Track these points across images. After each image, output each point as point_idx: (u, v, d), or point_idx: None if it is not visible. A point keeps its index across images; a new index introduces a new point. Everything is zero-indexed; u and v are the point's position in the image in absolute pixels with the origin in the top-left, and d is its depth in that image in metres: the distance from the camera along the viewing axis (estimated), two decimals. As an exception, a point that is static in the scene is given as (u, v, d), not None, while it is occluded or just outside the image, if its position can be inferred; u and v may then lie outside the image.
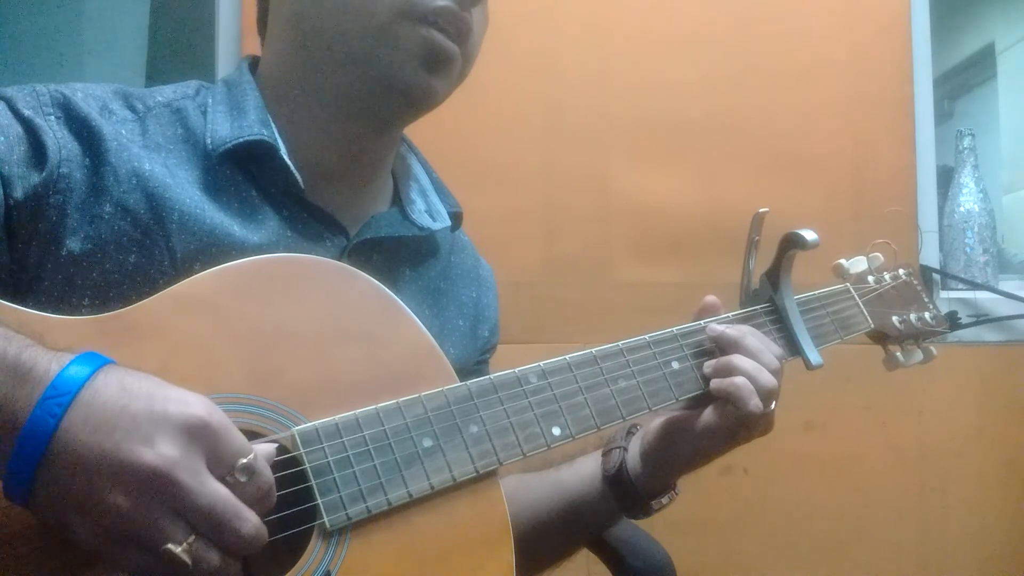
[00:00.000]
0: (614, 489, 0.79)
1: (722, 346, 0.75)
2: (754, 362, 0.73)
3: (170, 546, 0.45)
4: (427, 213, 0.81)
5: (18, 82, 0.67)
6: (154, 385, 0.49)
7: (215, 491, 0.47)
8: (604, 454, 0.81)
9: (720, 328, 0.76)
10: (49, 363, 0.47)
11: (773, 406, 0.73)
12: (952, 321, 1.54)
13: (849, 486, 1.52)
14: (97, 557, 0.47)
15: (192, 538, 0.46)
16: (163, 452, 0.46)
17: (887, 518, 1.52)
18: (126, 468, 0.45)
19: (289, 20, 0.73)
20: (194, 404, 0.48)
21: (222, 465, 0.48)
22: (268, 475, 0.51)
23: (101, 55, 1.76)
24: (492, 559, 0.61)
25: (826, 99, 1.57)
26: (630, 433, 0.82)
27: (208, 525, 0.47)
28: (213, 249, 0.65)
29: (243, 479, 0.49)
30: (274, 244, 0.68)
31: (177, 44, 1.78)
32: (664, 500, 0.80)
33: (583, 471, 0.82)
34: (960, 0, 2.32)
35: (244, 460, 0.49)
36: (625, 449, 0.80)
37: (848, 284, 0.90)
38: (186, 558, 0.46)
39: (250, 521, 0.48)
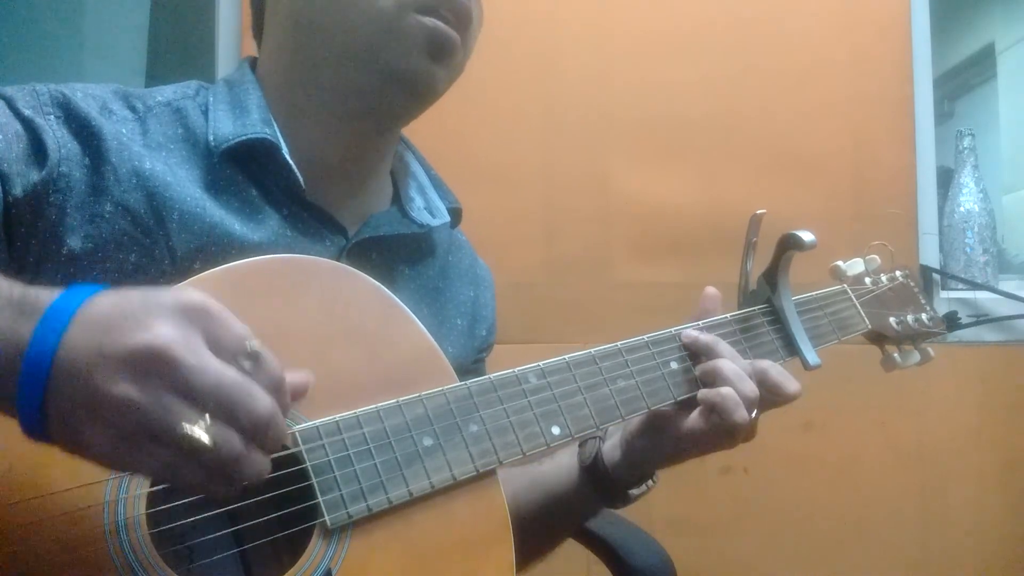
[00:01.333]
0: (591, 480, 0.79)
1: (697, 352, 0.75)
2: (738, 370, 0.72)
3: (186, 427, 0.43)
4: (426, 210, 0.82)
5: (18, 82, 0.67)
6: (149, 289, 0.47)
7: (220, 368, 0.45)
8: (580, 444, 0.81)
9: (694, 334, 0.76)
10: (51, 294, 0.46)
11: (755, 414, 0.73)
12: (951, 322, 1.54)
13: (849, 486, 1.52)
14: (119, 468, 0.46)
15: (208, 420, 0.44)
16: (159, 332, 0.44)
17: (887, 518, 1.52)
18: (124, 354, 0.43)
19: (288, 21, 0.74)
20: (189, 291, 0.47)
21: (224, 351, 0.46)
22: (276, 365, 0.48)
23: (101, 55, 1.76)
24: (492, 558, 0.61)
25: (826, 99, 1.57)
26: None
27: (219, 405, 0.44)
28: (213, 248, 0.65)
29: (247, 365, 0.47)
30: (274, 243, 0.68)
31: (177, 44, 1.78)
32: (643, 488, 0.80)
33: (561, 463, 0.82)
34: (960, 0, 2.32)
35: (248, 344, 0.47)
36: (601, 439, 0.80)
37: (845, 285, 0.91)
38: (205, 438, 0.43)
39: (263, 399, 0.46)
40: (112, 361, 0.44)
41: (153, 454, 0.44)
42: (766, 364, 0.76)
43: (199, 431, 0.43)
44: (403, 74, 0.71)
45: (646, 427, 0.77)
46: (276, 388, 0.48)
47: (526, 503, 0.81)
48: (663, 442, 0.75)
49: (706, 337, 0.75)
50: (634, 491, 0.79)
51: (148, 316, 0.45)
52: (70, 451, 0.46)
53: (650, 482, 0.80)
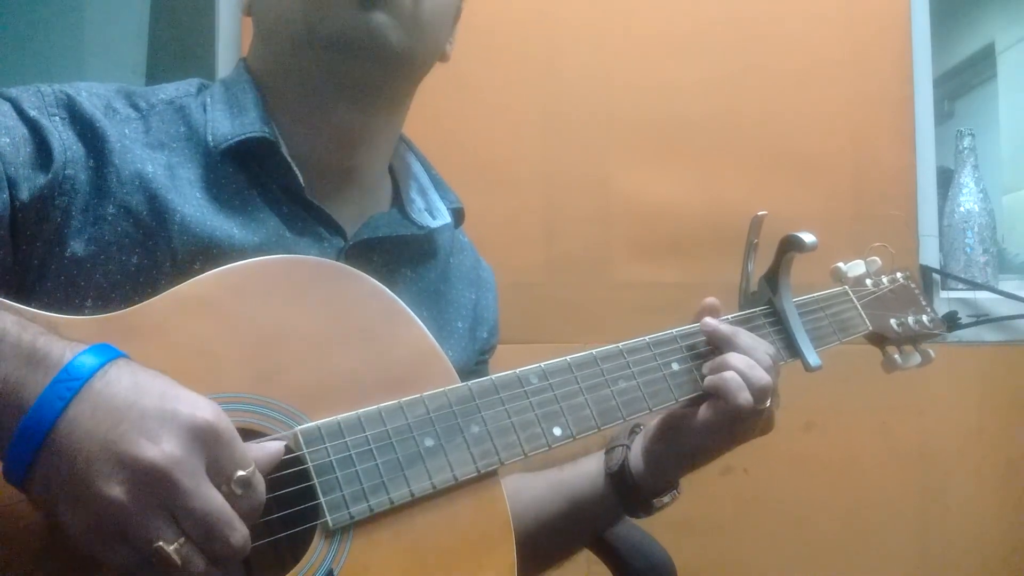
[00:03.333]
0: (616, 487, 0.79)
1: (716, 343, 0.76)
2: (748, 359, 0.73)
3: (162, 544, 0.45)
4: (426, 211, 0.81)
5: (18, 82, 0.67)
6: (166, 384, 0.49)
7: (212, 497, 0.47)
8: (607, 452, 0.81)
9: (714, 323, 0.76)
10: (63, 350, 0.47)
11: (769, 403, 0.73)
12: (951, 322, 1.54)
13: (849, 486, 1.52)
14: (83, 552, 0.47)
15: (183, 540, 0.46)
16: (166, 450, 0.45)
17: (887, 518, 1.52)
18: (127, 460, 0.45)
19: (254, 19, 0.75)
20: (204, 408, 0.48)
21: (221, 474, 0.48)
22: (261, 492, 0.51)
23: (101, 55, 1.76)
24: (493, 558, 0.61)
25: (826, 99, 1.57)
26: (633, 432, 0.82)
27: (200, 530, 0.46)
28: (214, 250, 0.65)
29: (239, 491, 0.48)
30: (273, 244, 0.68)
31: (177, 44, 1.78)
32: (666, 499, 0.80)
33: (586, 469, 0.82)
34: (960, 0, 2.32)
35: (242, 472, 0.48)
36: (628, 447, 0.80)
37: (846, 287, 0.91)
38: (176, 558, 0.45)
39: (240, 532, 0.48)
40: (112, 459, 0.45)
41: (120, 554, 0.45)
42: (745, 333, 0.76)
43: (171, 550, 0.45)
44: (340, 36, 0.68)
45: (663, 431, 0.77)
46: (254, 511, 0.50)
47: (548, 509, 0.81)
48: (681, 443, 0.76)
49: (726, 328, 0.75)
50: (657, 501, 0.79)
51: (162, 428, 0.46)
52: (43, 513, 0.47)
53: (674, 492, 0.80)
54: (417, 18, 0.71)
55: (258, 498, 0.50)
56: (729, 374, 0.71)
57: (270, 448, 0.54)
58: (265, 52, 0.75)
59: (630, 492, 0.78)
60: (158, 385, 0.48)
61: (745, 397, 0.70)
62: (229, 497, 0.48)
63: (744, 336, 0.75)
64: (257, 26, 0.75)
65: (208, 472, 0.47)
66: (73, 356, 0.47)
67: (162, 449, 0.45)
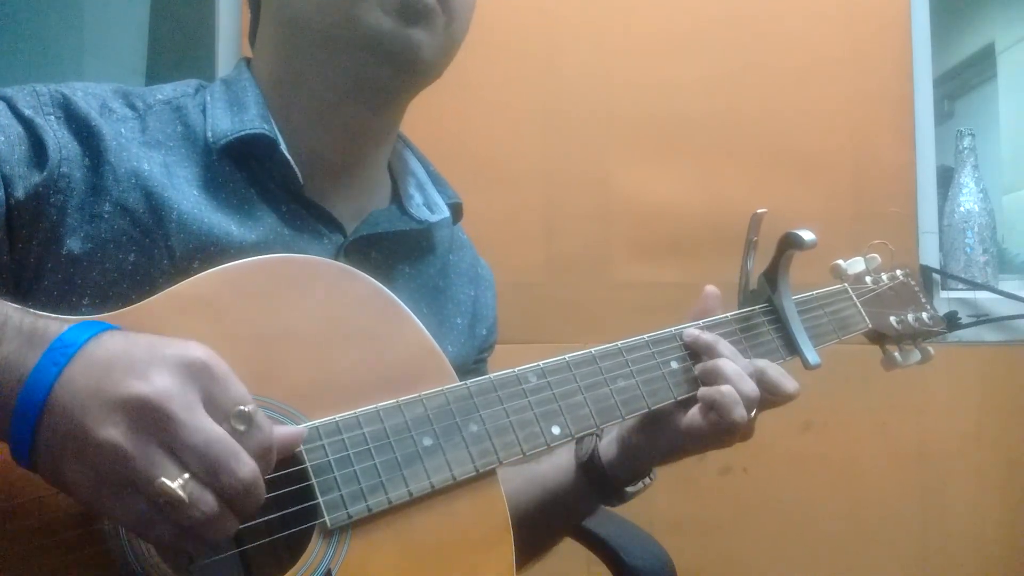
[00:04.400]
0: (587, 475, 0.79)
1: (698, 351, 0.75)
2: (737, 368, 0.72)
3: (164, 479, 0.43)
4: (425, 206, 0.82)
5: (18, 82, 0.67)
6: (157, 336, 0.49)
7: (211, 428, 0.46)
8: (577, 442, 0.81)
9: (696, 332, 0.76)
10: (60, 325, 0.47)
11: (754, 414, 0.73)
12: (951, 321, 1.54)
13: (849, 486, 1.52)
14: (96, 511, 0.46)
15: (187, 476, 0.44)
16: (157, 384, 0.45)
17: (887, 518, 1.52)
18: (118, 400, 0.44)
19: (275, 19, 0.74)
20: (194, 346, 0.48)
21: (218, 410, 0.47)
22: (269, 431, 0.49)
23: (101, 55, 1.76)
24: (492, 558, 0.61)
25: (826, 99, 1.57)
26: None
27: (203, 464, 0.45)
28: (212, 248, 0.65)
29: (240, 427, 0.47)
30: (271, 242, 0.68)
31: (177, 44, 1.78)
32: (640, 486, 0.79)
33: (559, 461, 0.82)
34: (960, 0, 2.32)
35: (242, 407, 0.47)
36: (598, 436, 0.80)
37: (846, 284, 0.91)
38: (181, 493, 0.44)
39: (248, 465, 0.46)
40: (106, 404, 0.44)
41: (129, 503, 0.45)
42: (764, 363, 0.76)
43: (176, 486, 0.44)
44: (377, 41, 0.69)
45: (644, 424, 0.76)
46: (264, 453, 0.49)
47: (524, 501, 0.81)
48: (660, 439, 0.75)
49: (707, 336, 0.75)
50: (630, 488, 0.79)
51: (150, 366, 0.46)
52: (53, 484, 0.46)
53: (647, 479, 0.80)
54: (449, 36, 0.73)
55: (265, 435, 0.49)
56: (726, 388, 0.71)
57: (293, 431, 0.53)
58: (278, 46, 0.74)
59: (601, 480, 0.78)
60: (148, 337, 0.48)
61: (740, 413, 0.70)
62: (232, 435, 0.47)
63: (724, 344, 0.75)
64: (276, 15, 0.74)
65: (206, 409, 0.46)
66: (68, 327, 0.47)
67: (152, 383, 0.45)
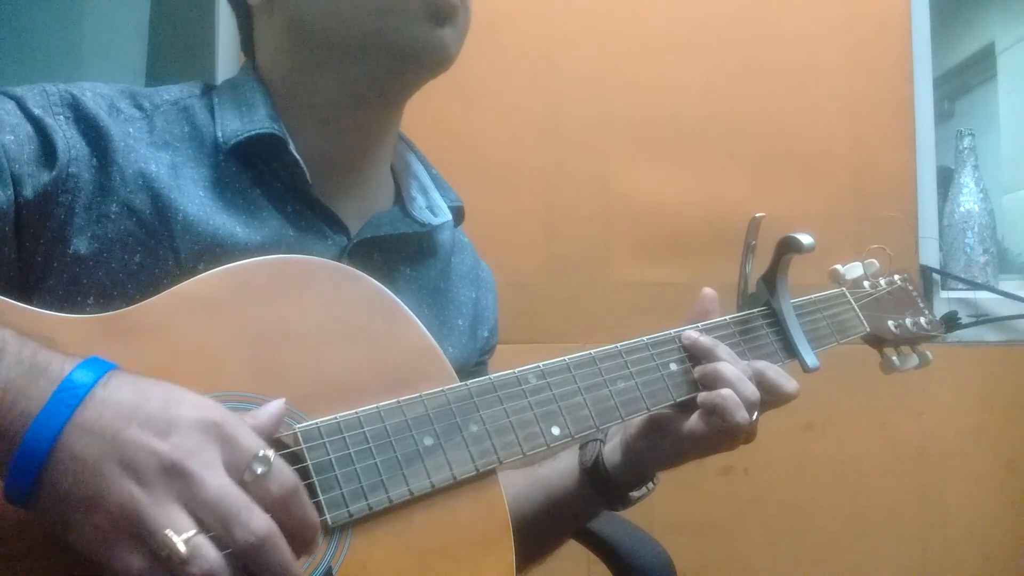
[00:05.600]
0: (592, 481, 0.79)
1: (697, 354, 0.75)
2: (737, 371, 0.73)
3: (170, 532, 0.43)
4: (427, 209, 0.82)
5: (18, 82, 0.67)
6: (168, 389, 0.48)
7: (224, 483, 0.45)
8: (581, 447, 0.81)
9: (695, 335, 0.76)
10: (63, 363, 0.47)
11: (756, 416, 0.73)
12: (951, 322, 1.54)
13: (849, 486, 1.52)
14: (94, 560, 0.45)
15: (194, 532, 0.44)
16: (178, 443, 0.45)
17: (887, 518, 1.52)
18: (140, 457, 0.44)
19: (285, 24, 0.74)
20: (210, 407, 0.48)
21: (237, 466, 0.47)
22: (290, 473, 0.48)
23: (101, 55, 1.76)
24: (492, 557, 0.61)
25: (826, 99, 1.57)
26: None
27: (216, 518, 0.45)
28: (217, 250, 0.65)
29: (260, 469, 0.46)
30: (276, 243, 0.68)
31: (177, 44, 1.78)
32: (643, 491, 0.80)
33: (562, 465, 0.82)
34: (960, 0, 2.32)
35: (260, 451, 0.47)
36: (602, 441, 0.80)
37: (844, 289, 0.91)
38: (182, 548, 0.43)
39: (259, 518, 0.45)
40: (125, 460, 0.44)
41: (129, 557, 0.44)
42: (763, 364, 0.76)
43: (180, 539, 0.43)
44: (411, 49, 0.71)
45: (647, 429, 0.77)
46: (290, 494, 0.47)
47: (527, 504, 0.81)
48: (663, 444, 0.76)
49: (706, 339, 0.75)
50: (634, 493, 0.79)
51: (170, 426, 0.46)
52: (49, 528, 0.45)
53: (651, 484, 0.80)
54: (466, 27, 0.75)
55: (287, 477, 0.48)
56: (726, 391, 0.71)
57: (271, 408, 0.52)
58: (290, 51, 0.74)
59: (605, 485, 0.79)
60: (160, 390, 0.48)
61: (742, 416, 0.70)
62: (253, 483, 0.46)
63: (724, 348, 0.75)
64: (290, 27, 0.74)
65: (225, 468, 0.46)
66: (73, 367, 0.46)
67: (173, 443, 0.45)
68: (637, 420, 0.78)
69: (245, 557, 0.45)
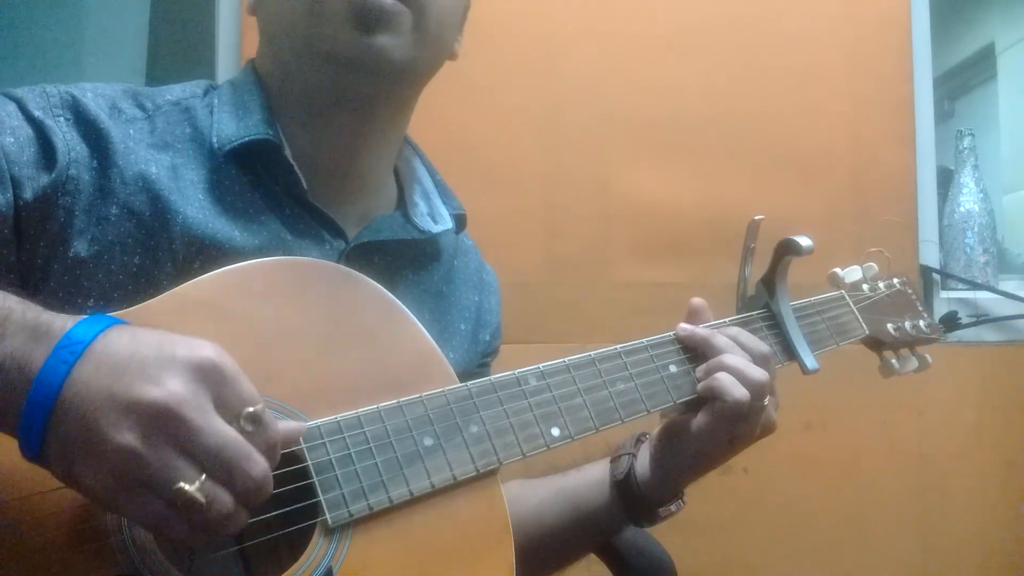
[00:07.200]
0: (622, 495, 0.79)
1: (695, 347, 0.76)
2: (740, 359, 0.73)
3: (183, 484, 0.44)
4: (429, 216, 0.81)
5: (18, 82, 0.67)
6: (163, 333, 0.49)
7: (224, 430, 0.47)
8: (613, 460, 0.81)
9: (689, 329, 0.76)
10: (65, 321, 0.48)
11: (767, 401, 0.73)
12: (951, 322, 1.54)
13: (849, 486, 1.52)
14: (110, 510, 0.47)
15: (204, 477, 0.45)
16: (170, 388, 0.45)
17: (887, 518, 1.52)
18: (133, 405, 0.45)
19: (260, 30, 0.76)
20: (204, 346, 0.48)
21: (229, 410, 0.48)
22: (275, 429, 0.50)
23: (101, 55, 1.76)
24: (492, 557, 0.61)
25: (826, 99, 1.57)
26: (639, 441, 0.82)
27: (218, 465, 0.46)
28: (215, 252, 0.65)
29: (249, 428, 0.48)
30: (274, 247, 0.68)
31: (177, 44, 1.78)
32: (672, 508, 0.79)
33: (590, 477, 0.82)
34: (960, 0, 2.32)
35: (251, 409, 0.48)
36: (634, 456, 0.80)
37: (843, 292, 0.91)
38: (199, 496, 0.45)
39: (260, 464, 0.48)
40: (121, 408, 0.45)
41: (145, 503, 0.45)
42: (735, 330, 0.77)
43: (194, 489, 0.45)
44: (344, 57, 0.68)
45: (666, 437, 0.77)
46: (271, 451, 0.50)
47: (550, 513, 0.81)
48: (681, 449, 0.76)
49: (702, 330, 0.75)
50: (664, 510, 0.79)
51: (162, 369, 0.46)
52: (64, 481, 0.47)
53: (680, 502, 0.80)
54: (423, 30, 0.70)
55: (271, 435, 0.50)
56: (721, 374, 0.72)
57: (293, 427, 0.54)
58: (269, 54, 0.76)
59: (636, 501, 0.78)
60: (156, 335, 0.48)
61: (741, 391, 0.70)
62: (241, 434, 0.48)
63: (721, 338, 0.75)
64: (261, 28, 0.76)
65: (216, 409, 0.47)
66: (74, 324, 0.47)
67: (166, 388, 0.45)
68: (656, 433, 0.79)
69: (242, 498, 0.47)
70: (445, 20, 0.73)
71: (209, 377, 0.47)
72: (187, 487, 0.44)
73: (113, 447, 0.44)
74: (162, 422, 0.45)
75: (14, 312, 0.47)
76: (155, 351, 0.47)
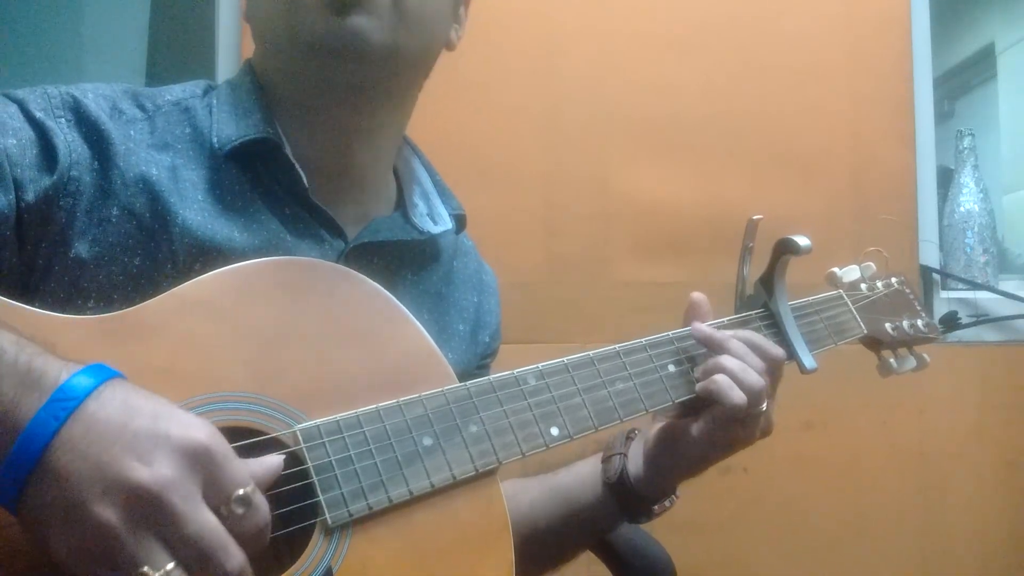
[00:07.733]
0: (616, 495, 0.79)
1: (709, 347, 0.76)
2: (740, 363, 0.73)
3: (146, 569, 0.43)
4: (428, 216, 0.81)
5: (18, 82, 0.67)
6: (159, 405, 0.48)
7: (205, 520, 0.45)
8: (604, 461, 0.81)
9: (707, 330, 0.76)
10: (59, 371, 0.46)
11: (765, 406, 0.73)
12: (951, 322, 1.54)
13: (849, 486, 1.52)
14: (71, 574, 0.45)
15: (171, 566, 0.44)
16: (159, 472, 0.44)
17: (887, 518, 1.52)
18: (119, 483, 0.44)
19: (253, 34, 0.76)
20: (197, 428, 0.47)
21: (218, 495, 0.47)
22: (265, 511, 0.49)
23: (101, 55, 1.76)
24: (492, 557, 0.61)
25: (826, 99, 1.57)
26: (629, 438, 0.82)
27: (192, 555, 0.45)
28: (214, 253, 0.65)
29: (239, 511, 0.47)
30: (273, 247, 0.68)
31: (177, 44, 1.78)
32: (666, 504, 0.80)
33: (583, 475, 0.82)
34: (960, 0, 2.32)
35: (241, 491, 0.47)
36: (625, 455, 0.80)
37: (841, 291, 0.91)
38: None
39: (236, 557, 0.46)
40: (105, 481, 0.44)
41: None
42: (747, 333, 0.77)
43: (158, 575, 0.43)
44: (317, 42, 0.68)
45: (663, 438, 0.77)
46: (259, 533, 0.49)
47: (543, 513, 0.81)
48: (680, 450, 0.76)
49: (720, 334, 0.75)
50: (657, 507, 0.79)
51: (154, 448, 0.45)
52: (31, 537, 0.45)
53: (673, 497, 0.80)
54: (402, 12, 0.69)
55: (262, 516, 0.48)
56: (720, 376, 0.72)
57: (268, 462, 0.52)
58: (262, 55, 0.76)
59: (630, 500, 0.79)
60: (150, 406, 0.47)
61: (738, 395, 0.71)
62: (229, 519, 0.47)
63: (735, 343, 0.75)
64: (253, 32, 0.76)
65: (205, 495, 0.46)
66: (69, 376, 0.46)
67: (154, 471, 0.44)
68: (653, 433, 0.79)
69: None
70: (428, 2, 0.72)
71: (200, 461, 0.46)
72: (151, 573, 0.43)
73: (93, 523, 0.43)
74: (145, 505, 0.44)
75: (6, 354, 0.46)
76: (148, 424, 0.46)
